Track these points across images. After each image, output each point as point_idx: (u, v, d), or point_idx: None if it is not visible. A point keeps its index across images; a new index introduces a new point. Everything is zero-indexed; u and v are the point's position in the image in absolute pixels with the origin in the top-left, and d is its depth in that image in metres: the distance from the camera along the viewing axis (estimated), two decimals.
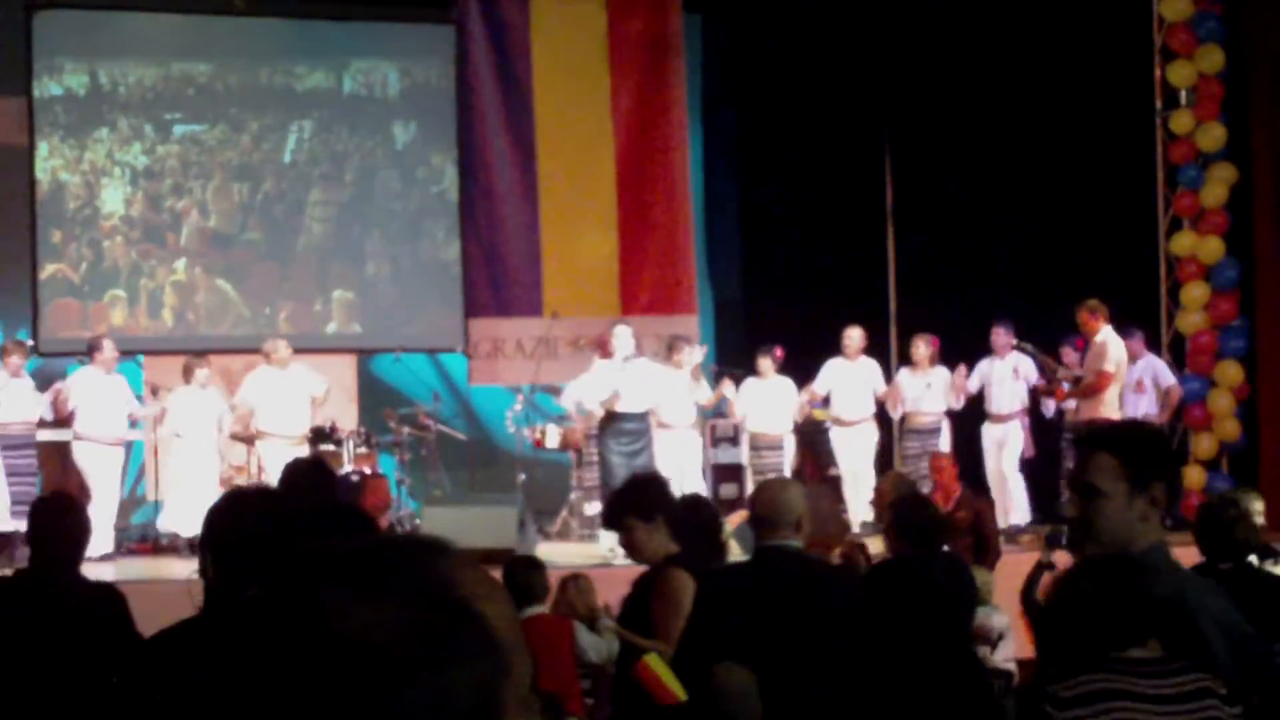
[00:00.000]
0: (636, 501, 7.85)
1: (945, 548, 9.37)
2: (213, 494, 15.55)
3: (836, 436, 17.20)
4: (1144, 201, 17.98)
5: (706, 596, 7.24)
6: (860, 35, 19.17)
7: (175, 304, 18.99)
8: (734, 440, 17.23)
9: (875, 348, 17.61)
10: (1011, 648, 10.52)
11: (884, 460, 17.29)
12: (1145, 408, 16.77)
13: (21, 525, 15.39)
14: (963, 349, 17.32)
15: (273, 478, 16.08)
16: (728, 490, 16.64)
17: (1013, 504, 16.46)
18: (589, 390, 16.02)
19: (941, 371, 16.96)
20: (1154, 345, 17.54)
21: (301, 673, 1.62)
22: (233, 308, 19.18)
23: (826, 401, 17.23)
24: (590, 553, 15.08)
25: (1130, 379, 16.76)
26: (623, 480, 14.91)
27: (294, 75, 19.72)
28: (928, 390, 16.94)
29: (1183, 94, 18.01)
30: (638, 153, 19.43)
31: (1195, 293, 17.64)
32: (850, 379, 17.16)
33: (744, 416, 17.11)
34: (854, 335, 17.13)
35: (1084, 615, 4.38)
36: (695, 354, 16.68)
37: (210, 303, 19.11)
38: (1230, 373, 17.39)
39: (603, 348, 16.59)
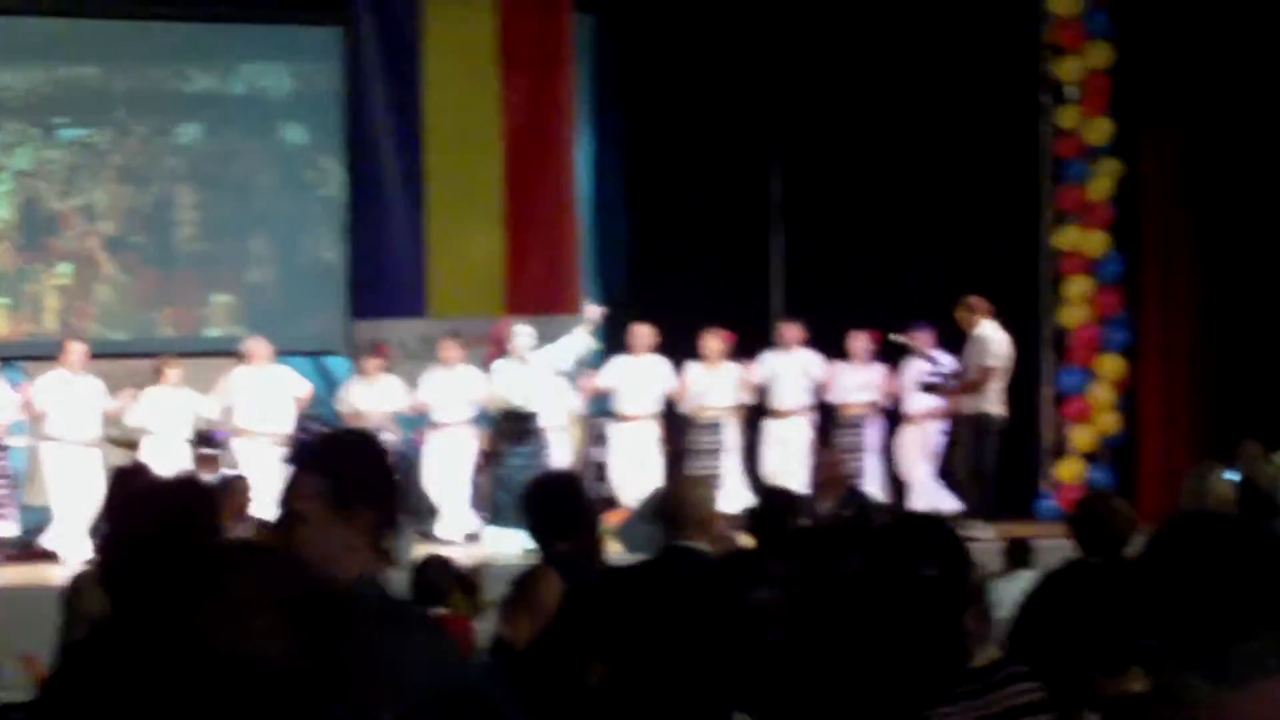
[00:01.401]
0: None
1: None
2: None
3: (616, 432, 17.13)
4: (1027, 196, 17.97)
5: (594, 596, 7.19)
6: (749, 36, 19.11)
7: (59, 308, 18.90)
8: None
9: (760, 347, 17.54)
10: None
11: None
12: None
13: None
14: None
15: (251, 477, 16.10)
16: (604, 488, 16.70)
17: None
18: (503, 390, 15.94)
19: (731, 367, 16.95)
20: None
21: (195, 700, 1.51)
22: (116, 311, 19.09)
23: None
24: (468, 554, 14.96)
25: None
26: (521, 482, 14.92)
27: (183, 78, 19.65)
28: (717, 386, 16.90)
29: (1070, 89, 17.99)
30: (526, 152, 19.31)
31: (1078, 286, 17.62)
32: (636, 375, 17.07)
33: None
34: (642, 332, 17.01)
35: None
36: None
37: (94, 307, 19.03)
38: (1111, 366, 17.39)
39: (499, 346, 16.57)
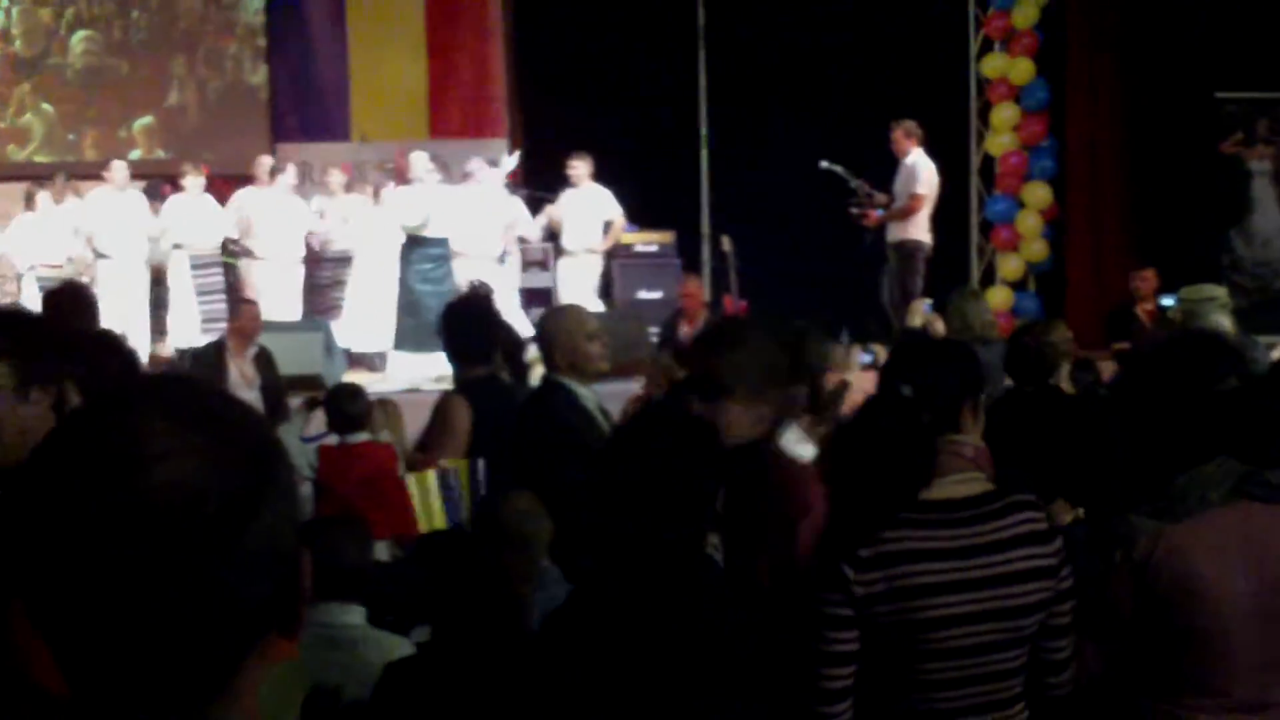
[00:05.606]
0: None
1: None
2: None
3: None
4: (955, 23, 17.95)
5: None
6: None
7: None
8: (543, 265, 17.17)
9: (690, 175, 17.45)
10: None
11: None
12: None
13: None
14: (781, 170, 17.26)
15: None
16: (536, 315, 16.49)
17: None
18: (401, 214, 15.76)
19: None
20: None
21: (124, 524, 1.51)
22: (37, 133, 18.82)
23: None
24: (397, 378, 14.98)
25: None
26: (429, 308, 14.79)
27: None
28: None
29: None
30: None
31: (1005, 114, 17.68)
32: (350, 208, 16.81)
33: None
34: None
35: (876, 459, 3.91)
36: (508, 162, 16.45)
37: (14, 128, 18.76)
38: (1039, 194, 17.49)
39: (400, 174, 16.41)
